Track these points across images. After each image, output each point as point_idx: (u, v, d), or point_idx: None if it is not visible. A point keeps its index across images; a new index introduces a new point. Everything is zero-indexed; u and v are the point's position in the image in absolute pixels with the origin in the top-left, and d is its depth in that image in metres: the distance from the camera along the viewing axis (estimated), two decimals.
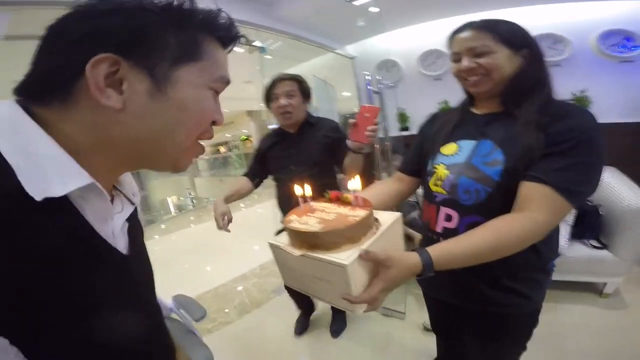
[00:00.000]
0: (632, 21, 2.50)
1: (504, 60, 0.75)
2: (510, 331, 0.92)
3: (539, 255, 0.80)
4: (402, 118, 3.32)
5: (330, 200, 0.73)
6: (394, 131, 3.15)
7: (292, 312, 2.06)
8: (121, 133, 0.35)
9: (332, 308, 2.09)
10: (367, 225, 0.63)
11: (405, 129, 3.36)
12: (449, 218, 0.83)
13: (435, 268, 0.63)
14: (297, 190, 0.71)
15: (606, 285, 1.99)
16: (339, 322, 2.07)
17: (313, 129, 1.51)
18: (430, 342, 1.65)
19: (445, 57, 3.07)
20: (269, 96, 1.43)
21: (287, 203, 1.49)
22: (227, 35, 0.41)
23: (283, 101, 1.40)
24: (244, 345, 2.00)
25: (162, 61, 0.35)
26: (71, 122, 0.33)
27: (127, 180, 0.47)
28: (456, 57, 0.81)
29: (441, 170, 0.84)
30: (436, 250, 0.64)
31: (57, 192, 0.30)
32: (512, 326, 0.90)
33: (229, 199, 1.53)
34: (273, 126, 1.68)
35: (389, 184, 1.03)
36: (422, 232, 0.97)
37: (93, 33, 0.32)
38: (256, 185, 1.63)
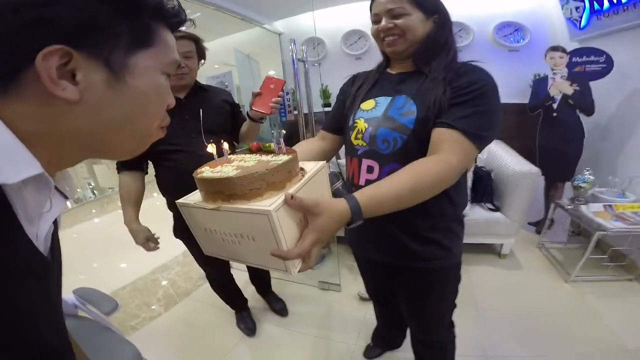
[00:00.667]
0: (524, 15, 2.98)
1: (417, 23, 0.83)
2: (437, 286, 1.01)
3: (453, 203, 0.90)
4: (325, 94, 3.38)
5: (250, 152, 0.66)
6: (318, 107, 3.20)
7: None
8: (77, 125, 0.34)
9: (262, 293, 2.04)
10: (292, 170, 0.58)
11: (328, 105, 3.43)
12: (370, 169, 0.88)
13: (363, 214, 0.62)
14: (210, 148, 0.62)
15: (502, 246, 2.35)
16: (276, 300, 2.03)
17: (207, 94, 1.39)
18: (368, 311, 1.77)
19: (365, 38, 3.22)
20: None
21: (177, 185, 1.28)
22: (176, 20, 0.41)
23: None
24: (176, 339, 1.84)
25: (116, 49, 0.34)
26: (14, 112, 0.31)
27: (64, 173, 0.43)
28: (376, 19, 0.87)
29: (361, 124, 0.90)
30: (362, 195, 0.63)
31: (10, 179, 0.28)
32: (438, 281, 0.99)
33: (136, 213, 1.35)
34: None
35: (313, 142, 1.04)
36: (347, 189, 1.00)
37: (37, 23, 0.30)
38: (146, 173, 1.41)
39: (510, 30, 3.05)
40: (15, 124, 0.31)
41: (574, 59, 2.39)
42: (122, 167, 1.35)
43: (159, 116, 0.41)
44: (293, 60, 1.86)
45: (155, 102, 0.39)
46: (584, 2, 2.45)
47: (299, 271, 0.57)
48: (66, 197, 0.43)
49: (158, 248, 1.40)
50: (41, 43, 0.29)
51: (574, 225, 2.52)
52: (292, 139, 3.42)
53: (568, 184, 2.44)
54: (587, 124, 2.42)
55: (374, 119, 0.87)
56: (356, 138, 0.91)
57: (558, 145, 2.45)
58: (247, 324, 1.85)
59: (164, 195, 1.42)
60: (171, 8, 0.39)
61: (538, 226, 2.74)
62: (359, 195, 0.63)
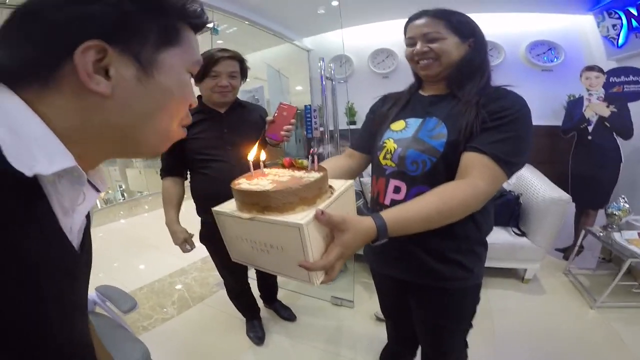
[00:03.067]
0: (558, 34, 2.90)
1: (452, 47, 0.83)
2: (456, 306, 0.97)
3: (478, 227, 0.87)
4: (351, 112, 3.41)
5: (283, 167, 0.69)
6: (342, 124, 3.22)
7: None
8: (107, 119, 0.35)
9: (268, 301, 2.05)
10: (322, 187, 0.61)
11: (353, 122, 3.45)
12: (397, 190, 0.87)
13: (389, 233, 0.63)
14: (250, 155, 0.66)
15: (526, 271, 2.24)
16: (283, 308, 2.05)
17: (244, 110, 1.46)
18: (381, 332, 1.70)
19: (393, 57, 3.23)
20: (206, 72, 1.29)
21: (210, 193, 1.36)
22: (199, 22, 0.43)
23: (225, 81, 1.31)
24: (185, 342, 1.85)
25: (146, 47, 0.35)
26: (51, 106, 0.32)
27: (97, 167, 0.44)
28: (411, 42, 0.87)
29: (390, 144, 0.89)
30: (389, 215, 0.64)
31: (45, 170, 0.29)
32: (457, 301, 0.96)
33: (177, 215, 1.45)
34: None
35: (340, 160, 1.04)
36: (371, 207, 1.00)
37: (77, 20, 0.32)
38: (186, 179, 1.50)
39: (544, 50, 2.97)
40: (51, 118, 0.32)
41: (611, 79, 2.30)
42: (165, 173, 1.45)
43: (180, 114, 0.42)
44: (321, 78, 1.89)
45: (179, 98, 0.40)
46: (621, 19, 2.38)
47: (321, 283, 0.59)
48: (98, 190, 0.44)
49: (194, 248, 1.47)
50: (80, 38, 0.31)
51: (605, 252, 2.40)
52: (321, 156, 3.46)
53: (601, 211, 2.32)
54: (624, 147, 2.28)
55: (404, 140, 0.87)
56: (384, 158, 0.90)
57: (592, 170, 2.32)
58: (257, 333, 1.85)
59: (196, 202, 1.50)
60: (195, 10, 0.41)
61: (566, 252, 2.59)
62: (385, 214, 0.64)
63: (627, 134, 2.18)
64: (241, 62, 1.38)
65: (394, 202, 0.86)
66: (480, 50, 0.85)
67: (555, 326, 1.86)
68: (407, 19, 0.89)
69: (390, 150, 0.88)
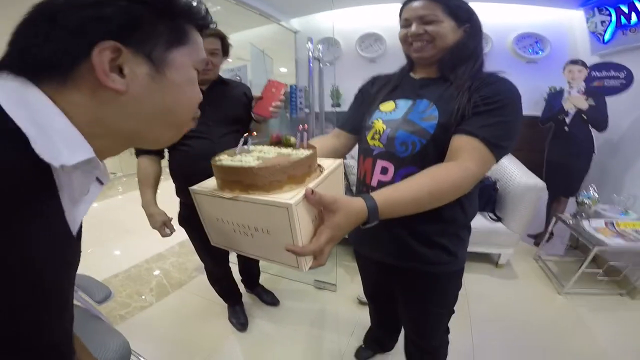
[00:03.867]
0: (546, 27, 2.93)
1: (448, 31, 0.82)
2: (440, 291, 0.99)
3: (464, 211, 0.89)
4: (336, 95, 3.36)
5: (270, 144, 0.66)
6: (327, 107, 3.17)
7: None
8: (122, 114, 0.37)
9: (250, 286, 2.03)
10: (312, 165, 0.57)
11: (337, 105, 3.42)
12: (384, 171, 0.87)
13: (379, 215, 0.61)
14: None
15: (500, 256, 2.34)
16: (266, 292, 2.03)
17: (227, 87, 1.42)
18: (363, 314, 1.73)
19: (381, 41, 3.18)
20: None
21: (191, 171, 1.27)
22: (203, 23, 0.45)
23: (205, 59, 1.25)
24: (165, 330, 1.81)
25: (157, 46, 0.37)
26: (69, 102, 0.34)
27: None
28: (406, 23, 0.85)
29: (379, 125, 0.88)
30: (380, 196, 0.62)
31: (68, 161, 0.31)
32: (441, 286, 0.98)
33: (154, 197, 1.37)
34: None
35: (326, 140, 1.02)
36: (357, 188, 0.99)
37: (93, 21, 0.33)
38: (162, 157, 1.43)
39: (530, 42, 3.00)
40: (70, 113, 0.34)
41: (593, 74, 2.36)
42: (140, 151, 1.37)
43: (193, 107, 0.45)
44: (309, 59, 1.82)
45: (189, 94, 0.43)
46: (611, 16, 2.42)
47: (309, 268, 0.55)
48: (101, 183, 0.45)
49: (174, 232, 1.40)
50: (95, 39, 0.33)
51: (572, 240, 2.52)
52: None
53: (571, 199, 2.43)
54: (597, 139, 2.37)
55: (393, 121, 0.86)
56: (372, 138, 0.89)
57: (566, 159, 2.41)
58: (239, 319, 1.82)
59: (174, 181, 1.43)
60: (200, 12, 0.44)
61: (537, 238, 2.72)
62: (377, 195, 0.62)
63: (602, 126, 2.26)
64: (222, 39, 1.33)
65: (381, 183, 0.86)
66: (476, 36, 0.85)
67: (527, 311, 1.96)
68: (401, 2, 0.86)
69: (379, 131, 0.87)
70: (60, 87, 0.34)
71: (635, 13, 2.21)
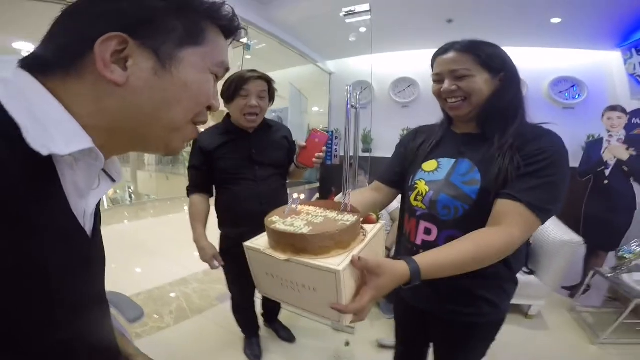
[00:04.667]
0: (582, 70, 2.89)
1: (482, 84, 0.78)
2: (476, 340, 0.95)
3: (509, 267, 0.85)
4: (366, 139, 3.41)
5: (315, 204, 0.71)
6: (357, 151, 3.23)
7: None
8: (120, 106, 0.36)
9: (269, 321, 2.00)
10: (357, 231, 0.62)
11: (368, 150, 3.46)
12: (428, 232, 0.86)
13: (421, 277, 0.63)
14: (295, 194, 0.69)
15: (531, 307, 2.22)
16: (283, 328, 2.00)
17: (270, 130, 1.50)
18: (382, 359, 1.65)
19: (415, 85, 3.26)
20: (236, 92, 1.32)
21: (236, 209, 1.42)
22: (229, 26, 0.43)
23: (254, 102, 1.33)
24: (179, 353, 1.79)
25: (168, 42, 0.37)
26: (72, 93, 0.34)
27: (113, 158, 0.46)
28: (438, 78, 0.83)
29: (422, 186, 0.87)
30: (423, 260, 0.64)
31: (61, 150, 0.31)
32: (478, 335, 0.93)
33: (204, 231, 1.46)
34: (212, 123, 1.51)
35: (366, 193, 1.01)
36: (402, 244, 0.98)
37: (104, 14, 0.34)
38: (212, 196, 1.52)
39: (567, 86, 2.93)
40: (71, 104, 0.34)
41: (633, 120, 2.28)
42: (194, 189, 1.47)
43: (195, 110, 0.41)
44: (347, 104, 1.90)
45: (194, 95, 0.40)
46: None
47: (350, 322, 0.59)
48: (113, 180, 0.45)
49: (223, 265, 1.47)
50: (104, 30, 0.33)
51: (611, 292, 2.37)
52: (333, 181, 3.40)
53: (611, 253, 2.29)
54: (638, 192, 2.26)
55: (436, 183, 0.85)
56: (416, 200, 0.89)
57: (606, 215, 2.29)
58: (254, 351, 1.80)
59: (219, 215, 1.52)
60: (225, 14, 0.42)
61: (572, 290, 2.52)
62: (420, 259, 0.64)
63: None
64: (269, 82, 1.40)
65: (425, 243, 0.86)
66: (512, 84, 0.81)
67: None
68: (434, 51, 0.85)
69: (422, 193, 0.86)
70: (65, 77, 0.34)
71: None
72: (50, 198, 0.32)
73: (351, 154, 2.12)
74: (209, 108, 0.44)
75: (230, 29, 0.44)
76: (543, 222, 0.73)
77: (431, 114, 0.99)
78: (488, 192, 0.76)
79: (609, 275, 2.08)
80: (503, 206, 0.73)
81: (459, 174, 0.82)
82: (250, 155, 1.42)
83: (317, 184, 3.51)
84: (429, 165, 0.89)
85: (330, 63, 3.58)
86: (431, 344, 1.09)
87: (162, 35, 0.36)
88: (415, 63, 3.18)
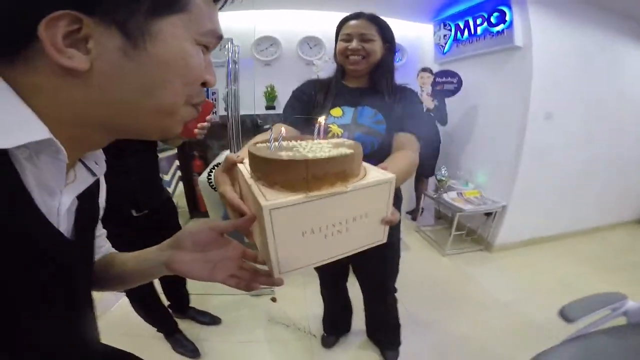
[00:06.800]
0: (404, 38, 3.44)
1: (378, 48, 1.04)
2: (390, 256, 1.30)
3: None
4: (270, 96, 3.27)
5: (289, 139, 0.59)
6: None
7: None
8: (88, 96, 0.31)
9: (182, 310, 1.87)
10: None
11: (272, 107, 3.34)
12: None
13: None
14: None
15: None
16: (201, 314, 1.92)
17: None
18: (308, 306, 1.90)
19: (277, 44, 3.17)
20: None
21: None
22: None
23: None
24: None
25: (136, 14, 0.30)
26: (22, 85, 0.29)
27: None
28: (347, 38, 1.03)
29: (335, 128, 1.05)
30: (390, 169, 0.76)
31: (3, 144, 0.27)
32: (391, 251, 1.29)
33: None
34: None
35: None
36: None
37: None
38: None
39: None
40: (26, 96, 0.29)
41: (437, 79, 2.99)
42: None
43: (184, 92, 0.36)
44: (228, 61, 1.78)
45: (180, 74, 0.34)
46: (451, 31, 3.08)
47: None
48: (94, 174, 0.41)
49: None
50: (48, 9, 0.27)
51: (436, 211, 3.31)
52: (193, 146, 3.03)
53: (431, 179, 3.15)
54: (441, 131, 3.13)
55: (346, 126, 1.04)
56: None
57: (423, 149, 3.04)
58: (187, 347, 1.69)
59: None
60: None
61: (413, 214, 3.46)
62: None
63: (444, 121, 2.96)
64: None
65: None
66: (392, 53, 1.09)
67: (425, 274, 2.49)
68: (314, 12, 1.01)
69: (338, 134, 1.04)
70: (12, 68, 0.29)
71: (467, 29, 2.85)
72: (5, 195, 0.28)
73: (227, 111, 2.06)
74: (205, 84, 0.38)
75: None
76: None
77: (291, 73, 1.13)
78: (390, 129, 1.03)
79: (434, 196, 2.87)
80: (404, 137, 1.00)
81: (366, 117, 1.04)
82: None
83: (175, 150, 3.15)
84: (336, 111, 1.07)
85: None
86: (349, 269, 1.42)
87: (126, 6, 0.30)
88: (276, 22, 3.12)
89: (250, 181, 0.46)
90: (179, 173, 3.40)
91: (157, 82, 0.33)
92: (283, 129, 0.58)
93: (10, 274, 0.29)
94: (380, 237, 0.54)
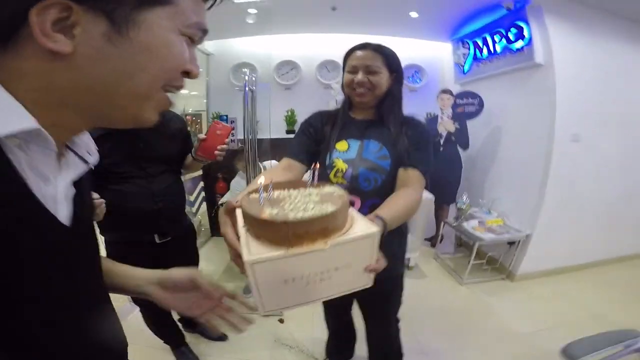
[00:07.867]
0: (422, 58, 3.35)
1: (384, 80, 1.02)
2: (397, 290, 1.25)
3: (404, 224, 1.13)
4: (290, 120, 3.33)
5: (279, 187, 0.63)
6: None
7: None
8: (70, 79, 0.32)
9: (192, 325, 1.90)
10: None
11: (292, 132, 3.37)
12: (351, 203, 1.04)
13: (388, 229, 0.75)
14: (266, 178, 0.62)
15: (410, 259, 2.74)
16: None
17: (161, 119, 1.40)
18: (315, 329, 1.85)
19: (297, 69, 3.26)
20: None
21: (126, 209, 1.24)
22: None
23: None
24: None
25: (123, 4, 0.32)
26: (12, 71, 0.30)
27: (83, 137, 0.43)
28: (353, 70, 1.02)
29: (340, 164, 1.03)
30: (384, 214, 0.76)
31: None
32: (397, 286, 1.24)
33: None
34: None
35: (278, 172, 1.03)
36: None
37: None
38: None
39: (412, 72, 3.40)
40: (14, 83, 0.30)
41: (457, 101, 2.89)
42: None
43: (164, 76, 0.37)
44: (245, 86, 1.87)
45: (160, 59, 0.35)
46: (469, 49, 2.98)
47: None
48: (86, 162, 0.42)
49: None
50: None
51: (457, 239, 3.16)
52: (218, 168, 3.07)
53: (452, 206, 3.01)
54: (463, 156, 2.98)
55: (351, 160, 1.02)
56: (335, 176, 1.03)
57: (444, 174, 2.87)
58: (191, 359, 1.73)
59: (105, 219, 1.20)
60: None
61: (432, 240, 3.31)
62: (381, 213, 0.76)
63: (465, 145, 2.84)
64: None
65: None
66: (400, 83, 1.06)
67: (440, 303, 2.39)
68: (318, 35, 1.02)
69: (342, 170, 1.02)
70: (1, 55, 0.30)
71: (487, 47, 2.75)
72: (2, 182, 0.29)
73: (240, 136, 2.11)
74: (188, 74, 0.39)
75: None
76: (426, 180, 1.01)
77: (310, 97, 1.13)
78: (396, 165, 1.00)
79: (454, 225, 2.74)
80: (408, 173, 0.98)
81: (371, 151, 1.02)
82: (136, 151, 1.27)
83: (200, 172, 3.29)
84: (341, 145, 1.05)
85: (209, 44, 3.28)
86: (354, 300, 1.36)
87: None
88: (296, 47, 3.21)
89: (242, 230, 0.53)
90: (203, 194, 3.55)
91: (138, 66, 0.34)
92: (267, 178, 0.63)
93: (4, 258, 0.29)
94: (365, 282, 0.57)
